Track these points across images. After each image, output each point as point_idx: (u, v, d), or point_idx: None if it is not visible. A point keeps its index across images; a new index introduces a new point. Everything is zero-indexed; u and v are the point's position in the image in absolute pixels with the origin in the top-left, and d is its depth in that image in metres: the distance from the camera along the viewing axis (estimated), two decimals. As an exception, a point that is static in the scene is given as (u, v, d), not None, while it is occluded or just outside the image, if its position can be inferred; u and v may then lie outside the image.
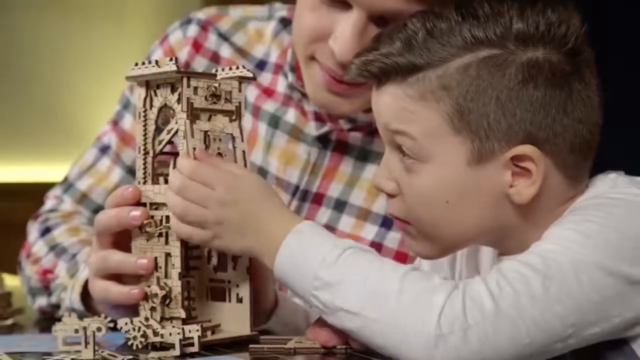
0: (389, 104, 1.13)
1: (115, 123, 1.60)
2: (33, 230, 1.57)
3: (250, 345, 1.15)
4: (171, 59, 1.16)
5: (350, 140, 1.45)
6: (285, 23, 1.54)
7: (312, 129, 1.46)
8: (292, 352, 1.14)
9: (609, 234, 1.05)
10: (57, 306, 1.45)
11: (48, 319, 1.43)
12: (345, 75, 1.30)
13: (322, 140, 1.46)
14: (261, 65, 1.52)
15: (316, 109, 1.44)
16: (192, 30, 1.55)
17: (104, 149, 1.59)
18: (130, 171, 1.56)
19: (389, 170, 1.15)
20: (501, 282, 1.03)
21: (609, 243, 1.04)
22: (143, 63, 1.18)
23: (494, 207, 1.11)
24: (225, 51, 1.54)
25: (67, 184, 1.61)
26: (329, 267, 1.07)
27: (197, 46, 1.55)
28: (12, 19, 3.19)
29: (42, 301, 1.47)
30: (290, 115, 1.47)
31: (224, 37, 1.55)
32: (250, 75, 1.21)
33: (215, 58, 1.54)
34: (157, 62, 1.17)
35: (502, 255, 1.18)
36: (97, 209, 1.55)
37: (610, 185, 1.13)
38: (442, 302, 1.02)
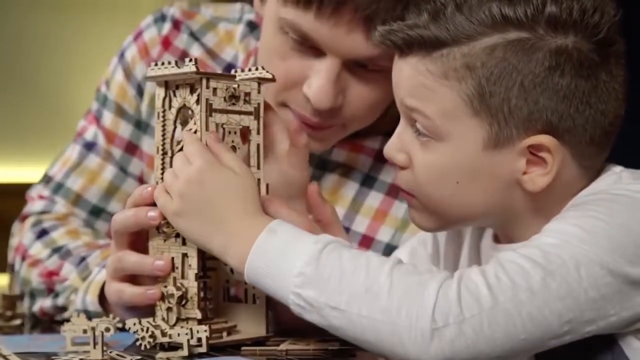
0: (408, 77, 1.12)
1: (97, 120, 1.58)
2: (27, 232, 1.54)
3: (243, 348, 1.15)
4: (190, 60, 1.16)
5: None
6: (252, 27, 1.54)
7: None
8: (284, 354, 1.13)
9: (612, 231, 1.03)
10: (63, 308, 1.44)
11: (45, 321, 1.44)
12: (320, 119, 1.32)
13: None
14: (229, 68, 1.50)
15: None
16: (166, 28, 1.55)
17: (89, 146, 1.57)
18: (121, 168, 1.55)
19: (402, 141, 1.15)
20: (499, 274, 1.01)
21: (612, 240, 1.03)
22: (162, 63, 1.18)
23: (505, 191, 1.11)
24: (195, 51, 1.54)
25: (55, 184, 1.57)
26: (311, 263, 1.04)
27: (166, 44, 1.54)
28: (21, 17, 3.19)
29: (45, 303, 1.46)
30: None
31: (194, 36, 1.55)
32: (270, 76, 1.20)
33: (184, 57, 1.52)
34: (176, 62, 1.17)
35: (499, 242, 1.18)
36: (93, 210, 1.55)
37: (614, 180, 1.12)
38: (435, 295, 1.00)
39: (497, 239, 1.20)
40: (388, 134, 1.42)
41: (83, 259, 1.44)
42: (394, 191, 1.43)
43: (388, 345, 1.02)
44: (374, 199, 1.45)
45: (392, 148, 1.16)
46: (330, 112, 1.33)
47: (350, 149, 1.46)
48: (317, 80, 1.30)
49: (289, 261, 1.05)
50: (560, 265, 1.01)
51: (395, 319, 1.01)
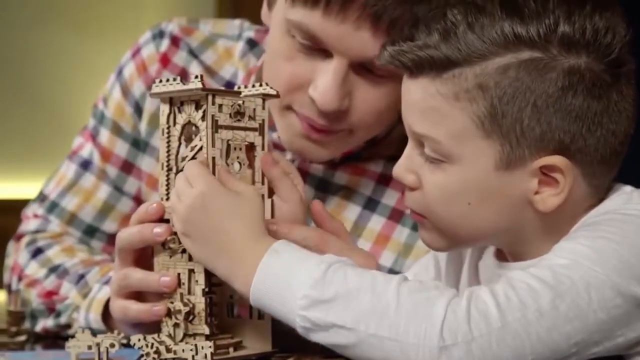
0: (417, 100, 1.11)
1: (93, 138, 1.57)
2: (22, 252, 1.54)
3: None
4: (196, 77, 1.16)
5: (312, 170, 1.44)
6: (252, 44, 1.53)
7: None
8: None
9: (623, 251, 1.03)
10: (66, 326, 1.43)
11: (50, 337, 1.44)
12: (326, 122, 1.30)
13: None
14: (228, 86, 1.50)
15: (274, 138, 1.42)
16: (165, 45, 1.54)
17: (85, 164, 1.56)
18: (116, 187, 1.54)
19: (411, 162, 1.14)
20: (509, 293, 1.01)
21: (622, 261, 1.03)
22: (167, 80, 1.18)
23: (515, 211, 1.10)
24: (195, 69, 1.53)
25: (49, 203, 1.56)
26: (317, 284, 1.04)
27: (165, 61, 1.53)
28: (26, 34, 3.20)
29: (47, 322, 1.45)
30: None
31: (193, 53, 1.54)
32: (274, 92, 1.21)
33: (183, 75, 1.51)
34: (181, 79, 1.18)
35: (504, 260, 1.17)
36: (87, 229, 1.54)
37: (625, 200, 1.12)
38: (443, 312, 1.00)
39: (500, 257, 1.20)
40: (391, 158, 1.40)
41: (82, 276, 1.43)
42: (396, 215, 1.43)
43: None
44: (376, 222, 1.44)
45: (401, 168, 1.15)
46: (336, 115, 1.31)
47: (352, 172, 1.45)
48: (323, 81, 1.29)
49: (294, 283, 1.05)
50: (570, 287, 1.01)
51: (403, 337, 1.01)
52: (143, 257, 1.21)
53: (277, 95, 1.22)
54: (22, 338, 1.43)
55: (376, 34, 1.25)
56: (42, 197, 1.58)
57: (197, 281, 1.16)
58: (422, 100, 1.10)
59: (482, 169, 1.09)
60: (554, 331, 1.00)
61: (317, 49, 1.29)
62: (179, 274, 1.17)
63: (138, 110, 1.53)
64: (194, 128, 1.19)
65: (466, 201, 1.10)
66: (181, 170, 1.19)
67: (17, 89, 3.22)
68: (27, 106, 3.20)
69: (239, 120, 1.19)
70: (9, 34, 3.22)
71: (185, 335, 1.16)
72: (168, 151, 1.20)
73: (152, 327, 1.19)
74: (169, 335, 1.16)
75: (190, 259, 1.17)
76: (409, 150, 1.15)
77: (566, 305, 1.00)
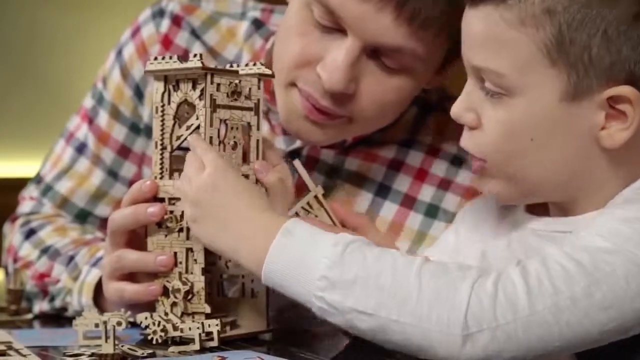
0: (479, 31, 1.06)
1: (91, 120, 1.53)
2: (16, 233, 1.51)
3: None
4: (195, 55, 1.15)
5: (322, 156, 1.42)
6: (258, 25, 1.49)
7: (282, 143, 1.42)
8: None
9: None
10: (62, 309, 1.41)
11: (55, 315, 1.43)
12: (328, 104, 1.26)
13: (292, 155, 1.39)
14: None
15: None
16: (165, 25, 1.49)
17: (81, 148, 1.53)
18: (111, 173, 1.51)
19: (470, 99, 1.08)
20: (541, 275, 0.97)
21: None
22: (163, 58, 1.18)
23: (581, 150, 1.05)
24: (197, 50, 1.48)
25: (44, 186, 1.54)
26: (335, 266, 1.01)
27: (166, 43, 1.49)
28: (33, 13, 3.15)
29: (43, 306, 1.42)
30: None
31: (196, 34, 1.50)
32: (270, 72, 1.21)
33: (185, 56, 1.47)
34: (178, 57, 1.17)
35: (533, 213, 1.12)
36: (79, 213, 1.51)
37: None
38: (467, 298, 0.97)
39: (534, 211, 1.13)
40: (403, 142, 1.39)
41: (72, 257, 1.40)
42: (408, 201, 1.39)
43: (417, 348, 0.99)
44: (389, 210, 1.40)
45: (460, 107, 1.08)
46: (340, 97, 1.26)
47: (363, 158, 1.42)
48: (333, 59, 1.24)
49: (310, 265, 1.02)
50: (608, 274, 0.97)
51: (426, 324, 0.98)
52: (135, 238, 1.20)
53: (272, 75, 1.21)
54: (30, 316, 1.41)
55: (397, 20, 1.21)
56: (38, 179, 1.55)
57: (195, 260, 1.16)
58: (484, 30, 1.05)
59: (547, 101, 1.03)
60: (586, 320, 0.97)
61: (333, 27, 1.25)
62: (175, 253, 1.17)
63: (138, 93, 1.49)
64: (186, 106, 1.19)
65: (529, 136, 1.04)
66: (176, 149, 1.19)
67: (20, 68, 3.17)
68: (30, 85, 3.16)
69: (235, 99, 1.19)
70: (13, 13, 3.16)
71: (184, 314, 1.16)
72: (162, 130, 1.19)
73: (146, 307, 1.18)
74: (166, 314, 1.15)
75: (187, 237, 1.16)
76: (468, 87, 1.08)
77: (602, 293, 0.96)
